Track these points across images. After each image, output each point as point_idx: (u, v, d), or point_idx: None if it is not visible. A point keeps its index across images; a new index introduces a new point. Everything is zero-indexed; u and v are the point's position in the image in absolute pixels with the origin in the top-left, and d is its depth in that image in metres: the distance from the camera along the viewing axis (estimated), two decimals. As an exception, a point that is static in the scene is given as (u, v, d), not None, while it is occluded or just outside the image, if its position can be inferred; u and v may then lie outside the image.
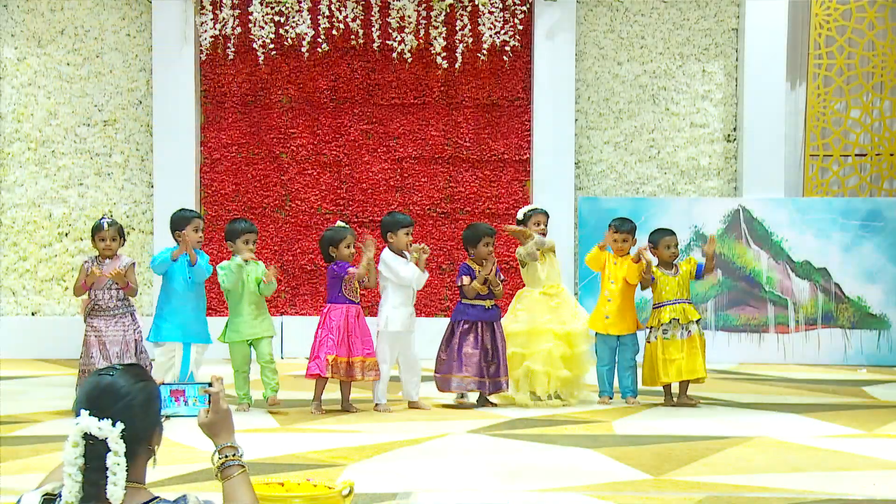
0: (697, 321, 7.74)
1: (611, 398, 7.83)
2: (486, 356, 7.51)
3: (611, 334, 7.84)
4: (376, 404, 7.44)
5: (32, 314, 11.18)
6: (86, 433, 2.36)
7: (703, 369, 7.67)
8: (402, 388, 7.62)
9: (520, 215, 8.01)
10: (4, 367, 9.94)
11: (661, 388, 7.83)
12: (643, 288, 7.90)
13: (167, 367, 7.27)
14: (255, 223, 7.97)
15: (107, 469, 2.34)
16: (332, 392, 7.51)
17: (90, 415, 2.37)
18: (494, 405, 7.58)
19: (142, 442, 2.44)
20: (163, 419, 2.58)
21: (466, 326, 7.53)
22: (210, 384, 2.69)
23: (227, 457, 2.62)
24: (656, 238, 7.90)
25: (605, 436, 6.40)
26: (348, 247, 7.44)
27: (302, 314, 11.02)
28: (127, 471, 2.36)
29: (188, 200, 10.77)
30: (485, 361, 7.50)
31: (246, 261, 7.35)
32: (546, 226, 7.93)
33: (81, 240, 11.12)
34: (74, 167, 11.18)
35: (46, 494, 2.44)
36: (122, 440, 2.36)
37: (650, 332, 7.77)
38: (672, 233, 7.96)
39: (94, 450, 2.35)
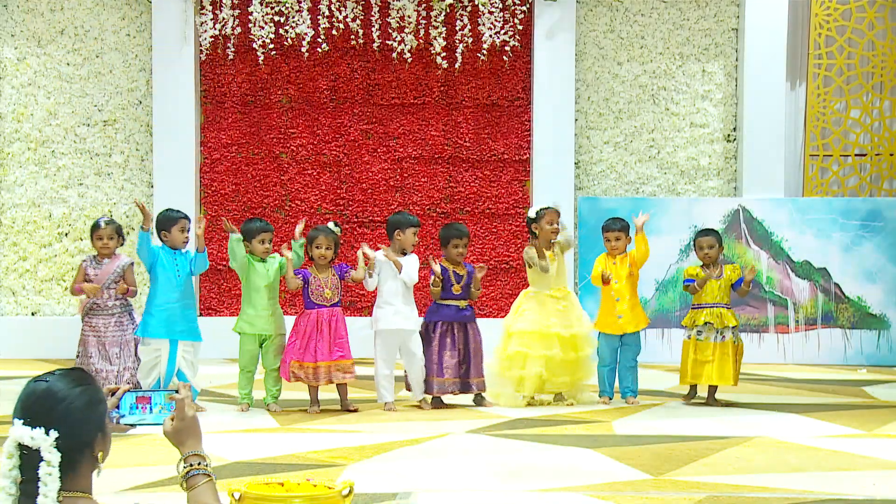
0: (734, 327, 7.73)
1: (611, 398, 7.83)
2: (460, 357, 7.53)
3: (627, 332, 7.83)
4: (385, 403, 7.46)
5: (32, 314, 11.18)
6: (19, 443, 2.25)
7: (733, 376, 7.67)
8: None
9: (532, 213, 7.97)
10: (4, 367, 9.94)
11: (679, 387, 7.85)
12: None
13: (151, 366, 7.26)
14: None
15: (39, 480, 2.22)
16: (334, 392, 7.53)
17: (24, 424, 2.26)
18: (488, 404, 7.59)
19: (83, 449, 2.32)
20: (117, 427, 2.51)
21: (444, 328, 7.54)
22: (177, 391, 2.60)
23: (191, 465, 2.53)
24: (693, 239, 7.98)
25: (605, 436, 6.40)
26: (318, 248, 7.41)
27: (302, 314, 11.01)
28: (66, 480, 2.25)
29: (188, 200, 10.78)
30: (458, 363, 7.53)
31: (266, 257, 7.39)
32: (558, 224, 7.92)
33: (81, 240, 11.12)
34: (74, 167, 11.18)
35: None
36: (56, 449, 2.24)
37: (685, 330, 7.85)
38: (708, 232, 7.96)
39: (30, 460, 2.24)
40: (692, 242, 8.01)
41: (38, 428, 2.25)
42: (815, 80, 11.43)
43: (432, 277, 7.56)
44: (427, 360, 7.53)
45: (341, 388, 7.42)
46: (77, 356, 7.38)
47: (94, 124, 11.20)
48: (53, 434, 2.25)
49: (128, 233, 10.96)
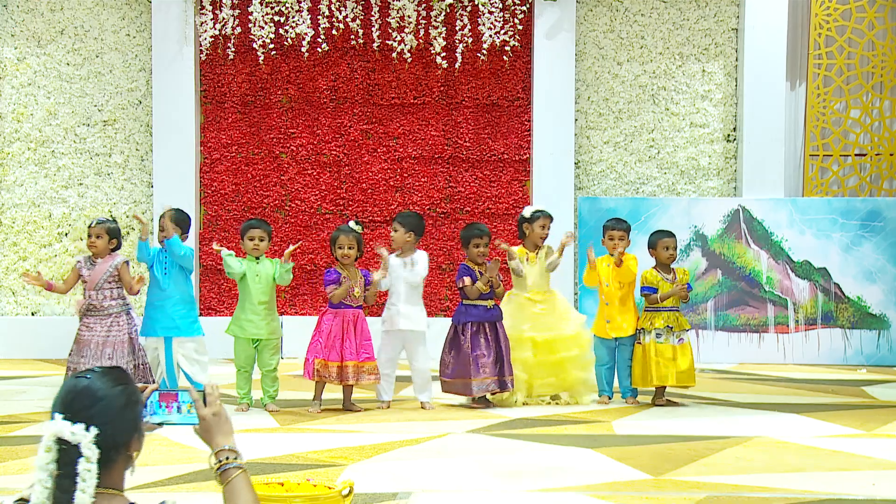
0: (687, 330, 7.74)
1: (610, 398, 7.83)
2: (495, 355, 7.51)
3: (614, 337, 7.83)
4: (379, 402, 7.49)
5: (32, 314, 11.18)
6: (58, 437, 2.27)
7: (693, 378, 7.70)
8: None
9: (527, 213, 7.97)
10: (4, 367, 9.94)
11: (651, 388, 7.83)
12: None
13: (155, 365, 7.34)
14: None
15: (77, 475, 2.25)
16: (336, 392, 7.53)
17: (64, 418, 2.29)
18: (493, 405, 7.58)
19: (119, 448, 2.35)
20: (145, 427, 2.51)
21: (475, 329, 7.51)
22: (202, 390, 2.61)
23: (220, 461, 2.54)
24: (654, 239, 7.89)
25: (605, 436, 6.40)
26: (340, 248, 7.42)
27: (302, 314, 11.02)
28: (100, 477, 2.27)
29: (188, 200, 10.78)
30: (494, 361, 7.51)
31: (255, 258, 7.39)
32: (549, 230, 7.93)
33: (81, 240, 11.11)
34: (74, 167, 11.18)
35: (20, 499, 2.35)
36: (95, 446, 2.27)
37: (640, 333, 7.75)
38: (670, 234, 7.93)
39: (67, 455, 2.26)
40: (650, 243, 7.92)
41: (78, 423, 2.28)
42: (815, 80, 11.44)
43: (467, 279, 7.51)
44: (461, 363, 7.47)
45: (347, 388, 7.43)
46: (69, 354, 7.39)
47: (93, 124, 11.20)
48: (93, 430, 2.28)
49: (127, 233, 10.97)
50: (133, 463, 2.41)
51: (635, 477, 5.16)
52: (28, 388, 8.55)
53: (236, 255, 7.49)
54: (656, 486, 4.95)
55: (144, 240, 7.34)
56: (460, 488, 4.94)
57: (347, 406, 7.39)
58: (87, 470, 2.26)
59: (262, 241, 7.46)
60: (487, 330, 7.53)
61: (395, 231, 7.66)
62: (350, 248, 7.41)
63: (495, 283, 7.56)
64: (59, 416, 2.30)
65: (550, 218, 7.97)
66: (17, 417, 6.98)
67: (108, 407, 2.34)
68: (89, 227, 7.45)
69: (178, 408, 2.61)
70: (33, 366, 10.13)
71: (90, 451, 2.27)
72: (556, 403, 7.72)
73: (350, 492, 3.67)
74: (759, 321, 10.79)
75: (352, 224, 7.53)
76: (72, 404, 2.33)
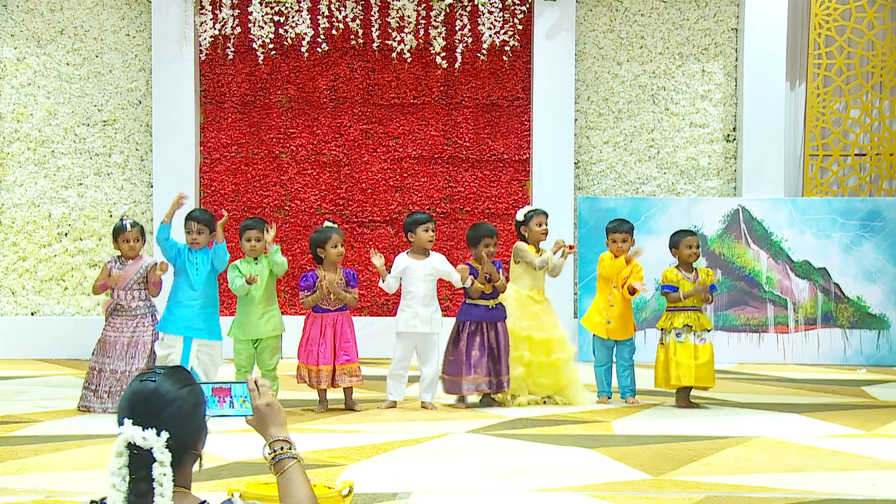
0: (708, 330, 7.71)
1: (609, 398, 7.83)
2: (491, 355, 7.52)
3: (611, 338, 7.83)
4: (387, 401, 7.52)
5: (32, 314, 11.18)
6: (130, 443, 2.28)
7: (713, 378, 7.66)
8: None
9: (520, 216, 8.00)
10: (4, 367, 9.94)
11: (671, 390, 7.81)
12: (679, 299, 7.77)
13: (164, 362, 7.29)
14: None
15: (153, 479, 2.26)
16: (338, 392, 7.54)
17: (134, 423, 2.29)
18: (500, 404, 7.58)
19: (188, 448, 2.37)
20: (207, 420, 2.52)
21: (473, 328, 7.53)
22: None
23: (275, 451, 2.56)
24: (676, 239, 7.84)
25: (605, 436, 6.40)
26: (335, 247, 7.42)
27: (302, 314, 10.99)
28: (174, 479, 2.28)
29: (188, 200, 10.73)
30: (490, 361, 7.51)
31: (249, 282, 7.34)
32: (546, 226, 7.93)
33: (81, 240, 11.12)
34: (74, 167, 11.18)
35: (92, 502, 2.36)
36: (167, 449, 2.28)
37: (662, 333, 7.74)
38: (692, 233, 7.93)
39: (140, 459, 2.27)
40: (672, 243, 7.88)
41: (149, 429, 2.28)
42: (814, 80, 11.43)
43: (470, 280, 7.54)
44: (456, 360, 7.52)
45: (347, 389, 7.44)
46: (93, 353, 7.40)
47: (93, 124, 11.20)
48: (165, 435, 2.28)
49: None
50: (200, 459, 2.42)
51: (635, 477, 5.16)
52: (28, 388, 8.55)
53: (229, 254, 7.48)
54: (656, 486, 4.95)
55: (167, 222, 7.31)
56: (460, 488, 4.94)
57: (349, 406, 7.41)
58: (163, 475, 2.26)
59: (258, 241, 7.45)
60: (486, 329, 7.55)
61: (434, 232, 7.70)
62: (343, 245, 7.47)
63: (495, 277, 7.57)
64: (128, 422, 2.30)
65: (545, 214, 7.98)
66: (17, 417, 6.98)
67: (179, 410, 2.34)
68: (125, 230, 7.44)
69: (232, 402, 2.60)
70: (33, 366, 10.14)
71: (164, 456, 2.27)
72: (553, 403, 7.71)
73: (350, 492, 3.68)
74: (758, 321, 10.79)
75: (329, 224, 7.56)
76: (142, 408, 2.32)
